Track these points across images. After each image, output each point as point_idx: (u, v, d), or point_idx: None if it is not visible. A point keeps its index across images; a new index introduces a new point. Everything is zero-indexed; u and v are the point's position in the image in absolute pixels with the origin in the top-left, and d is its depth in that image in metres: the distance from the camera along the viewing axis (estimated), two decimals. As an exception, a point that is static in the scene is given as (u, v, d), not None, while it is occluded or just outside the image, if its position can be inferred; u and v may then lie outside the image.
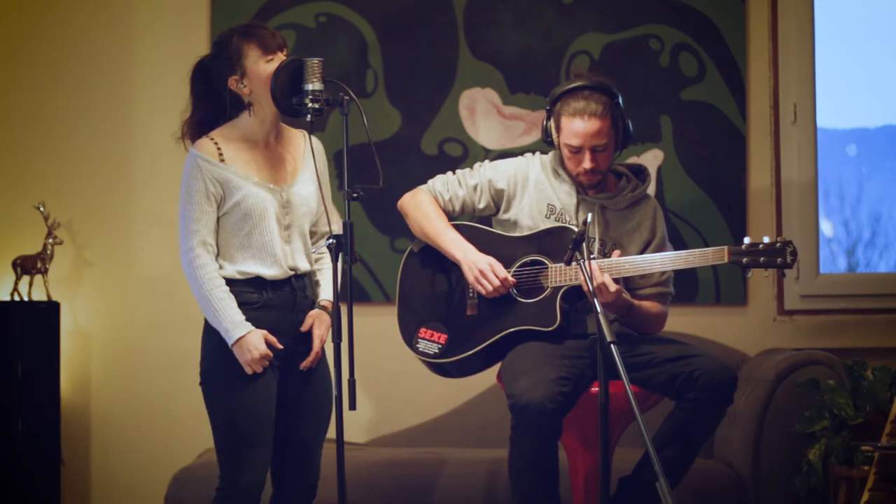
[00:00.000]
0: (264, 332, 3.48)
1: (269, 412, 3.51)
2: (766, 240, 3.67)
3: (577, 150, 3.85)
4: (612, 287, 3.70)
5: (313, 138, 3.63)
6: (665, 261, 3.79)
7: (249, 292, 3.51)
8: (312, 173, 3.61)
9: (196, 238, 3.47)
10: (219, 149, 3.50)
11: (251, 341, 3.45)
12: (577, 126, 3.82)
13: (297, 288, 3.59)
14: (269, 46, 3.50)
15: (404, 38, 5.09)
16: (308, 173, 3.61)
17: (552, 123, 3.91)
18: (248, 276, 3.52)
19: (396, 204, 4.09)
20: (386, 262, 5.00)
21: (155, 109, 5.11)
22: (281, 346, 3.50)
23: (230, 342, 3.45)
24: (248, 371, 3.46)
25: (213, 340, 3.50)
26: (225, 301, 3.46)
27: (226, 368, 3.47)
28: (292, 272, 3.57)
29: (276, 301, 3.54)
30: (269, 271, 3.53)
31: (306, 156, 3.63)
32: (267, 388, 3.50)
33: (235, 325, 3.45)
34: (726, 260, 3.69)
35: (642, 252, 3.93)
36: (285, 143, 3.62)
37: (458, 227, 4.00)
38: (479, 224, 4.03)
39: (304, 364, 3.56)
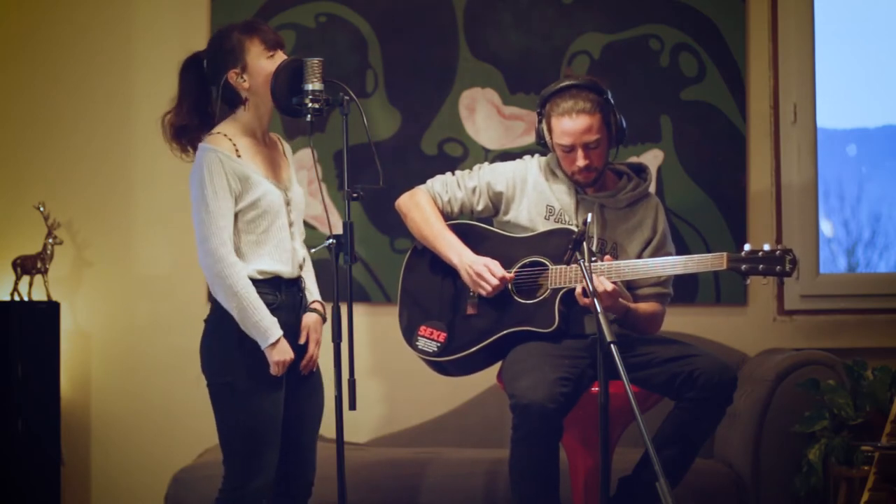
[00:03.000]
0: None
1: (280, 415, 3.51)
2: (767, 247, 3.67)
3: (569, 150, 3.86)
4: (609, 287, 3.70)
5: (285, 142, 3.67)
6: (665, 266, 3.79)
7: (266, 293, 3.48)
8: (294, 175, 3.65)
9: (224, 234, 3.42)
10: (234, 144, 3.49)
11: (285, 343, 3.45)
12: (567, 125, 3.83)
13: (302, 289, 3.60)
14: (270, 42, 3.51)
15: (404, 38, 5.09)
16: (293, 175, 3.65)
17: (544, 126, 3.92)
18: (267, 275, 3.50)
19: (394, 203, 4.10)
20: (386, 262, 5.00)
21: (155, 109, 5.04)
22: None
23: (268, 342, 3.41)
24: (274, 371, 3.44)
25: (228, 342, 3.46)
26: (259, 301, 3.43)
27: (246, 371, 3.44)
28: (300, 270, 3.58)
29: (287, 302, 3.54)
30: (286, 268, 3.53)
31: (287, 159, 3.66)
32: (281, 393, 3.50)
33: (274, 324, 3.43)
34: (725, 267, 3.68)
35: (643, 250, 3.94)
36: (273, 145, 3.64)
37: (459, 227, 4.00)
38: (480, 223, 4.04)
39: (303, 366, 3.55)
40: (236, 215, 3.47)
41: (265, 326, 3.41)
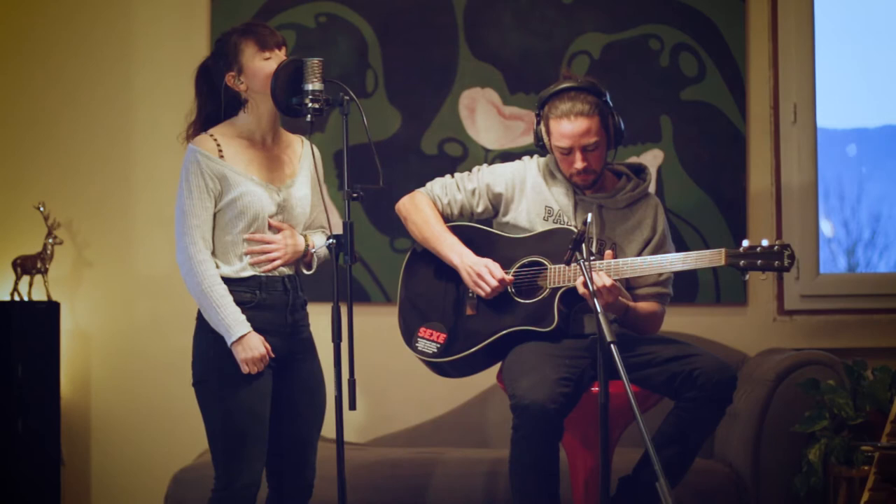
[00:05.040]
0: (260, 336, 3.47)
1: (264, 411, 3.50)
2: (765, 242, 3.66)
3: (567, 152, 3.85)
4: (608, 282, 3.70)
5: (309, 144, 3.64)
6: (663, 263, 3.79)
7: (243, 291, 3.49)
8: (307, 178, 3.61)
9: (196, 233, 3.46)
10: (218, 145, 3.50)
11: (252, 340, 3.44)
12: (565, 127, 3.83)
13: (291, 288, 3.58)
14: (266, 43, 3.51)
15: (404, 38, 5.09)
16: (304, 177, 3.61)
17: (542, 128, 3.92)
18: (243, 274, 3.51)
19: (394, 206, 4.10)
20: (386, 262, 5.00)
21: (155, 109, 5.11)
22: (272, 355, 3.49)
23: (231, 339, 3.43)
24: (245, 370, 3.44)
25: (206, 341, 3.49)
26: (226, 298, 3.45)
27: (220, 368, 3.46)
28: (286, 272, 3.57)
29: (269, 301, 3.53)
30: (263, 267, 3.53)
31: (303, 160, 3.64)
32: (262, 387, 3.49)
33: (238, 322, 3.44)
34: (723, 262, 3.68)
35: (643, 250, 3.94)
36: (283, 145, 3.63)
37: (459, 228, 4.00)
38: (479, 225, 4.04)
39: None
40: (216, 214, 3.50)
41: (228, 323, 3.43)
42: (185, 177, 3.48)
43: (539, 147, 3.96)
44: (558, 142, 3.86)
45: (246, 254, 3.51)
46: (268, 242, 3.53)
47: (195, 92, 3.60)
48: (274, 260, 3.53)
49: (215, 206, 3.49)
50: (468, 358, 3.91)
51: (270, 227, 3.55)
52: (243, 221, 3.50)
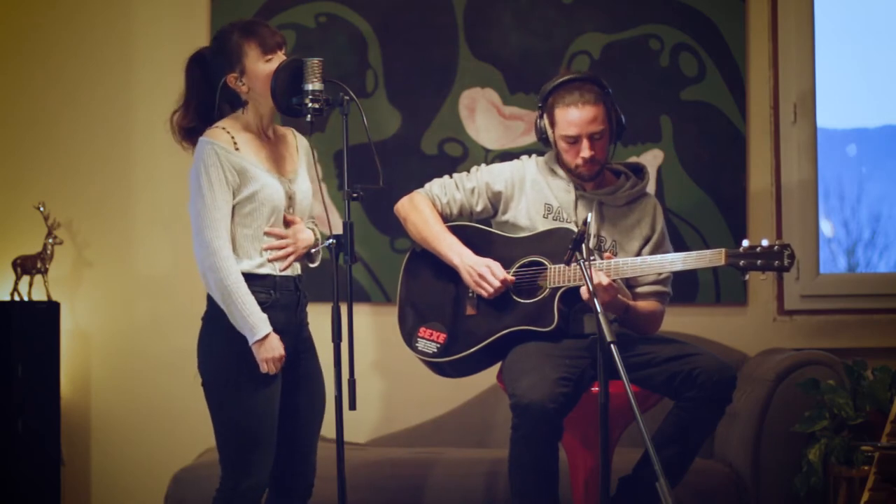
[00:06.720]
0: (277, 336, 3.45)
1: (275, 413, 3.49)
2: (765, 242, 3.67)
3: (574, 140, 3.86)
4: (605, 280, 3.70)
5: (300, 136, 3.63)
6: (663, 263, 3.79)
7: (259, 291, 3.46)
8: (306, 170, 3.61)
9: (220, 227, 3.41)
10: (233, 138, 3.48)
11: (273, 340, 3.42)
12: (573, 115, 3.84)
13: (301, 288, 3.59)
14: (268, 46, 3.50)
15: (404, 38, 5.09)
16: (303, 170, 3.61)
17: (546, 120, 3.92)
18: (261, 270, 3.49)
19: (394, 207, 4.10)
20: (386, 262, 5.00)
21: (155, 109, 5.08)
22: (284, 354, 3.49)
23: (254, 339, 3.40)
24: (264, 369, 3.42)
25: (218, 341, 3.46)
26: (249, 296, 3.41)
27: (236, 370, 3.44)
28: (298, 270, 3.57)
29: (282, 301, 3.52)
30: (280, 264, 3.52)
31: (300, 153, 3.64)
32: (274, 391, 3.48)
33: (262, 321, 3.41)
34: (723, 262, 3.68)
35: (642, 248, 3.95)
36: (279, 139, 3.63)
37: (458, 228, 4.00)
38: (478, 224, 4.04)
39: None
40: (234, 208, 3.46)
41: (253, 322, 3.40)
42: (203, 170, 3.42)
43: (542, 141, 3.97)
44: (565, 130, 3.86)
45: (264, 249, 3.50)
46: (282, 237, 3.52)
47: (185, 79, 3.57)
48: (288, 255, 3.52)
49: (233, 199, 3.46)
50: (468, 358, 3.92)
51: (284, 220, 3.55)
52: (263, 215, 3.48)
